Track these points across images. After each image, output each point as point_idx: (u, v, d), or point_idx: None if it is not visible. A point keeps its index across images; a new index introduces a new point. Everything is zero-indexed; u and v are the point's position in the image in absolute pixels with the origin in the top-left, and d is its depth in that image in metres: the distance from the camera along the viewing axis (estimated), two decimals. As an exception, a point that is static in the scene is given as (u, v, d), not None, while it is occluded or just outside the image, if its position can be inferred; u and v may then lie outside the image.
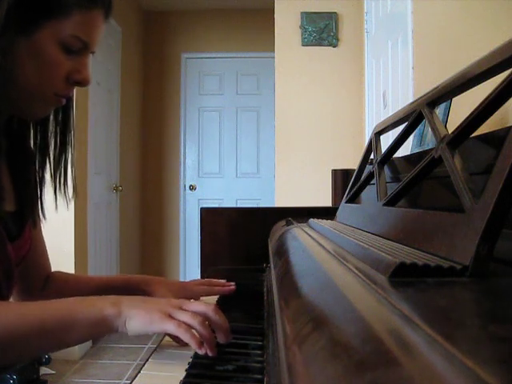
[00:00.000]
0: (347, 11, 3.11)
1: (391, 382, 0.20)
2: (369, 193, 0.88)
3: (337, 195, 1.62)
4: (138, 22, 4.47)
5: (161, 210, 4.62)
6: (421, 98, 0.68)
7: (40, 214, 0.85)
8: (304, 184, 3.07)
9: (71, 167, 0.85)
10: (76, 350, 2.89)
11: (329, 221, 0.96)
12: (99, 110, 3.46)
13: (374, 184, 0.77)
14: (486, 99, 0.46)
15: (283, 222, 1.18)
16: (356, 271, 0.40)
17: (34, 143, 0.83)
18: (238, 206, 4.38)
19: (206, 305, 0.65)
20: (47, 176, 0.84)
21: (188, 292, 0.90)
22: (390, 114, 0.98)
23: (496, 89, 0.44)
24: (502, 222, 0.36)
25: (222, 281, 1.04)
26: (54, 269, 0.96)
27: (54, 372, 2.69)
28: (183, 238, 4.61)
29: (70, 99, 0.81)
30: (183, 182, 4.63)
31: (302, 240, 0.74)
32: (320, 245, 0.62)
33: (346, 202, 0.95)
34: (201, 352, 0.58)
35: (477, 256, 0.36)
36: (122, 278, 0.94)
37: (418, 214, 0.52)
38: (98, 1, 0.72)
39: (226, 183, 4.59)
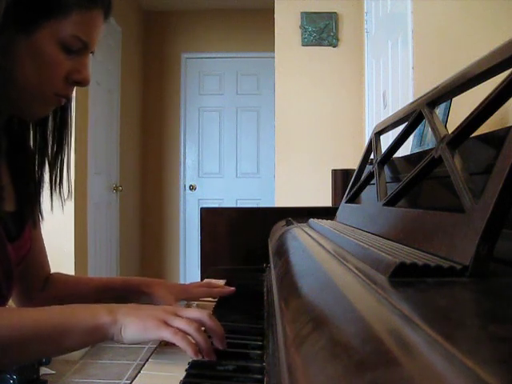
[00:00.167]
0: (347, 11, 3.11)
1: (391, 382, 0.20)
2: (369, 193, 0.88)
3: (337, 195, 1.62)
4: (138, 22, 4.47)
5: (161, 210, 4.62)
6: (421, 98, 0.68)
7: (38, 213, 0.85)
8: (304, 184, 3.07)
9: (67, 168, 0.85)
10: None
11: (329, 221, 0.96)
12: (99, 109, 3.46)
13: (374, 184, 0.77)
14: (485, 99, 0.46)
15: (283, 222, 1.18)
16: (356, 271, 0.40)
17: (34, 143, 0.83)
18: (238, 205, 4.38)
19: (201, 311, 0.65)
20: (46, 176, 0.84)
21: (188, 294, 0.90)
22: (390, 113, 0.98)
23: (496, 89, 0.44)
24: (502, 222, 0.36)
25: (222, 282, 1.04)
26: (54, 269, 0.96)
27: (54, 372, 2.69)
28: (183, 238, 4.61)
29: (69, 99, 0.80)
30: (183, 182, 4.63)
31: (301, 240, 0.74)
32: (320, 245, 0.62)
33: (346, 202, 0.95)
34: (197, 358, 0.58)
35: (477, 256, 0.36)
36: (121, 279, 0.94)
37: (418, 214, 0.52)
38: (98, 1, 0.72)
39: (226, 183, 4.59)
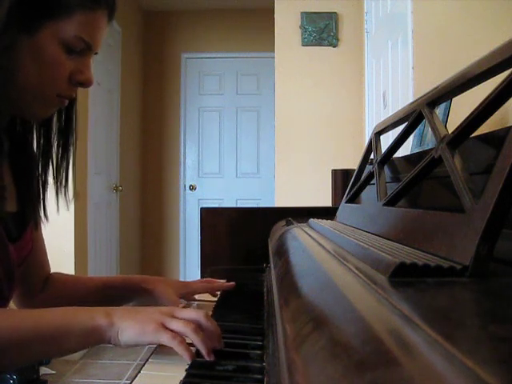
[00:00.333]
0: (347, 11, 3.11)
1: (391, 382, 0.20)
2: (369, 193, 0.88)
3: (337, 195, 1.62)
4: (138, 22, 4.47)
5: (161, 210, 4.62)
6: (421, 98, 0.68)
7: (42, 215, 0.85)
8: (304, 184, 3.07)
9: (72, 169, 0.85)
10: (76, 350, 2.89)
11: (329, 221, 0.96)
12: (99, 109, 3.46)
13: (374, 184, 0.77)
14: (485, 99, 0.46)
15: (283, 222, 1.18)
16: (356, 271, 0.40)
17: (37, 146, 0.83)
18: (238, 205, 4.38)
19: (198, 311, 0.65)
20: (50, 178, 0.84)
21: (188, 289, 0.90)
22: (390, 113, 0.98)
23: (496, 89, 0.44)
24: (502, 222, 0.36)
25: (222, 281, 1.04)
26: (54, 269, 0.96)
27: (54, 372, 2.69)
28: (183, 238, 4.61)
29: (72, 101, 0.80)
30: (183, 182, 4.63)
31: (301, 240, 0.74)
32: (320, 245, 0.62)
33: (346, 202, 0.95)
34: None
35: (477, 256, 0.36)
36: (121, 277, 0.94)
37: (418, 214, 0.52)
38: (102, 2, 0.72)
39: (226, 183, 4.59)
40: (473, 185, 0.43)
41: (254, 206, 4.24)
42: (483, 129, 0.53)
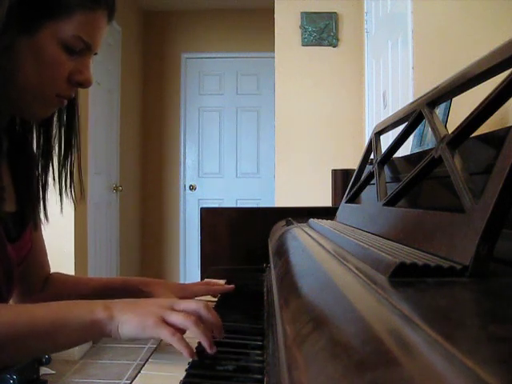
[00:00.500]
0: (347, 11, 3.11)
1: (391, 382, 0.20)
2: (369, 193, 0.88)
3: (337, 195, 1.62)
4: (138, 22, 4.47)
5: (161, 210, 4.62)
6: (421, 98, 0.68)
7: (43, 216, 0.85)
8: (304, 184, 3.07)
9: (78, 169, 0.85)
10: (76, 350, 2.89)
11: (329, 221, 0.96)
12: (99, 109, 3.46)
13: (374, 184, 0.77)
14: (485, 99, 0.46)
15: (283, 222, 1.18)
16: (356, 271, 0.40)
17: (37, 146, 0.83)
18: (238, 205, 4.38)
19: (197, 302, 0.65)
20: (50, 179, 0.84)
21: (187, 292, 0.90)
22: (390, 113, 0.98)
23: (496, 89, 0.44)
24: (502, 222, 0.36)
25: (222, 282, 1.04)
26: (54, 269, 0.96)
27: (54, 372, 2.69)
28: (183, 238, 4.61)
29: (73, 101, 0.80)
30: (183, 182, 4.63)
31: (302, 240, 0.74)
32: (320, 245, 0.62)
33: (346, 202, 0.95)
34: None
35: (477, 256, 0.36)
36: (121, 279, 0.94)
37: (418, 214, 0.52)
38: (102, 2, 0.71)
39: (226, 183, 4.59)
40: (473, 185, 0.43)
41: (254, 205, 4.24)
42: (483, 129, 0.53)
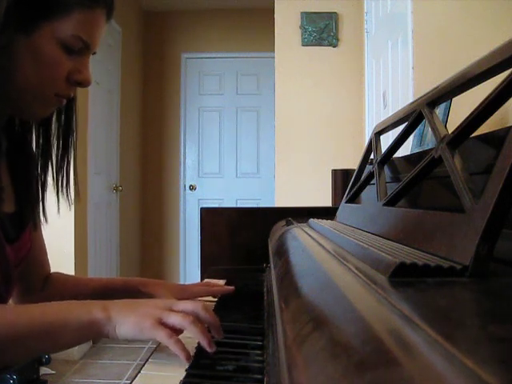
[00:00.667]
0: (347, 11, 3.11)
1: (391, 382, 0.20)
2: (369, 193, 0.88)
3: (337, 195, 1.62)
4: (138, 22, 4.47)
5: (161, 210, 4.62)
6: (421, 98, 0.68)
7: (42, 216, 0.84)
8: (304, 184, 3.07)
9: (74, 170, 0.85)
10: (76, 350, 2.89)
11: (329, 221, 0.96)
12: (99, 109, 3.46)
13: (374, 184, 0.77)
14: (486, 99, 0.46)
15: (283, 222, 1.18)
16: (356, 271, 0.40)
17: (37, 146, 0.83)
18: (238, 205, 4.38)
19: (195, 303, 0.65)
20: (49, 179, 0.84)
21: (187, 293, 0.90)
22: (390, 114, 0.98)
23: (496, 89, 0.44)
24: (502, 222, 0.36)
25: (222, 282, 1.04)
26: (54, 269, 0.96)
27: (53, 372, 2.69)
28: (183, 238, 4.61)
29: (72, 100, 0.80)
30: (183, 182, 4.63)
31: (302, 240, 0.74)
32: (320, 245, 0.62)
33: (346, 202, 0.95)
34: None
35: (477, 256, 0.36)
36: (121, 280, 0.94)
37: (418, 214, 0.52)
38: (100, 1, 0.71)
39: (226, 183, 4.59)
40: (473, 185, 0.43)
41: (254, 206, 4.24)
42: (483, 129, 0.53)
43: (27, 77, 0.69)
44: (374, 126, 0.99)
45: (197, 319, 0.61)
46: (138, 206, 4.51)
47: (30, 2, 0.66)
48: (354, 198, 0.93)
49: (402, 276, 0.36)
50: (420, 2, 1.99)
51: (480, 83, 0.54)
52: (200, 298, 0.93)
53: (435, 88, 0.64)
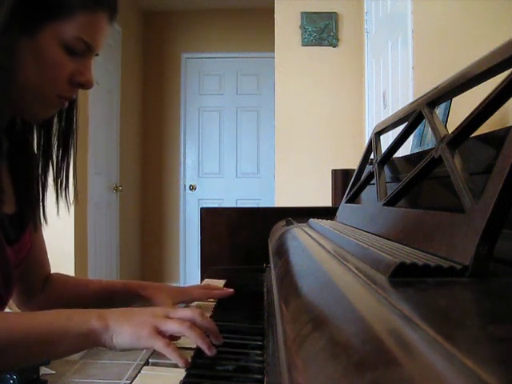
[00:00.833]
0: (347, 11, 3.11)
1: (391, 382, 0.20)
2: (369, 193, 0.88)
3: (337, 195, 1.62)
4: (138, 22, 4.47)
5: (161, 210, 4.62)
6: (421, 98, 0.68)
7: (42, 218, 0.84)
8: (304, 184, 3.07)
9: (73, 171, 0.85)
10: (76, 350, 2.89)
11: (329, 221, 0.96)
12: (99, 109, 3.46)
13: (374, 184, 0.77)
14: (485, 99, 0.46)
15: (283, 222, 1.18)
16: (356, 271, 0.40)
17: (38, 146, 0.83)
18: (238, 205, 4.38)
19: (192, 310, 0.65)
20: (50, 180, 0.84)
21: (187, 296, 0.90)
22: (390, 114, 0.98)
23: (496, 89, 0.44)
24: (502, 222, 0.36)
25: (222, 282, 1.04)
26: (54, 269, 0.95)
27: (53, 372, 2.69)
28: (183, 238, 4.61)
29: (74, 102, 0.80)
30: (183, 182, 4.63)
31: (302, 240, 0.74)
32: (320, 245, 0.62)
33: (346, 202, 0.95)
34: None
35: (477, 256, 0.36)
36: (120, 282, 0.94)
37: (418, 214, 0.52)
38: (104, 3, 0.71)
39: (226, 183, 4.59)
40: (473, 185, 0.43)
41: (254, 206, 4.24)
42: (483, 129, 0.53)
43: (29, 78, 0.69)
44: (374, 126, 0.99)
45: (194, 325, 0.61)
46: (138, 206, 4.51)
47: (33, 3, 0.66)
48: (353, 198, 0.93)
49: (402, 276, 0.36)
50: (420, 1, 1.99)
51: (480, 83, 0.54)
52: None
53: (435, 88, 0.64)
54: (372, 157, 0.91)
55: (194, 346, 0.63)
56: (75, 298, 0.92)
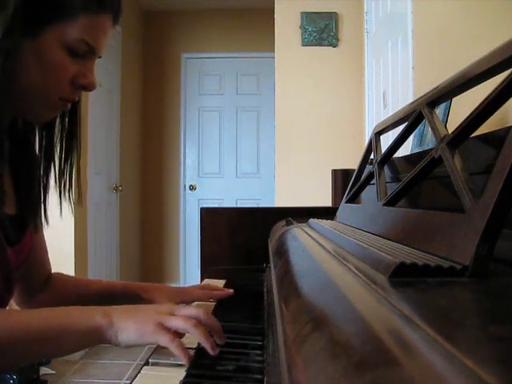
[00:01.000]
0: (347, 11, 3.11)
1: (391, 382, 0.20)
2: (369, 193, 0.88)
3: (337, 195, 1.62)
4: (138, 22, 4.47)
5: (161, 210, 4.62)
6: (421, 98, 0.68)
7: (43, 219, 0.84)
8: (304, 184, 3.07)
9: (77, 173, 0.85)
10: (76, 350, 2.89)
11: (329, 221, 0.96)
12: (99, 109, 3.46)
13: (374, 184, 0.77)
14: (486, 99, 0.46)
15: (283, 222, 1.18)
16: (356, 271, 0.40)
17: (40, 148, 0.82)
18: (238, 206, 4.38)
19: (197, 308, 0.65)
20: (51, 181, 0.83)
21: (187, 297, 0.90)
22: (390, 114, 0.98)
23: (496, 89, 0.44)
24: (502, 222, 0.36)
25: (222, 282, 1.04)
26: (54, 268, 0.95)
27: (53, 372, 2.69)
28: (183, 237, 4.61)
29: (76, 104, 0.80)
30: (183, 182, 4.63)
31: (302, 240, 0.74)
32: (320, 245, 0.62)
33: (346, 202, 0.95)
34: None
35: (477, 256, 0.36)
36: (120, 283, 0.94)
37: (418, 214, 0.52)
38: (107, 5, 0.71)
39: (226, 183, 4.59)
40: (473, 185, 0.43)
41: (254, 206, 4.24)
42: (483, 129, 0.53)
43: (32, 79, 0.69)
44: (374, 126, 0.99)
45: (198, 323, 0.61)
46: (138, 206, 4.51)
47: (37, 5, 0.66)
48: (354, 198, 0.93)
49: (402, 276, 0.36)
50: (420, 1, 1.99)
51: (480, 83, 0.54)
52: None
53: (435, 88, 0.64)
54: (372, 157, 0.91)
55: (194, 346, 0.63)
56: (75, 297, 0.92)
